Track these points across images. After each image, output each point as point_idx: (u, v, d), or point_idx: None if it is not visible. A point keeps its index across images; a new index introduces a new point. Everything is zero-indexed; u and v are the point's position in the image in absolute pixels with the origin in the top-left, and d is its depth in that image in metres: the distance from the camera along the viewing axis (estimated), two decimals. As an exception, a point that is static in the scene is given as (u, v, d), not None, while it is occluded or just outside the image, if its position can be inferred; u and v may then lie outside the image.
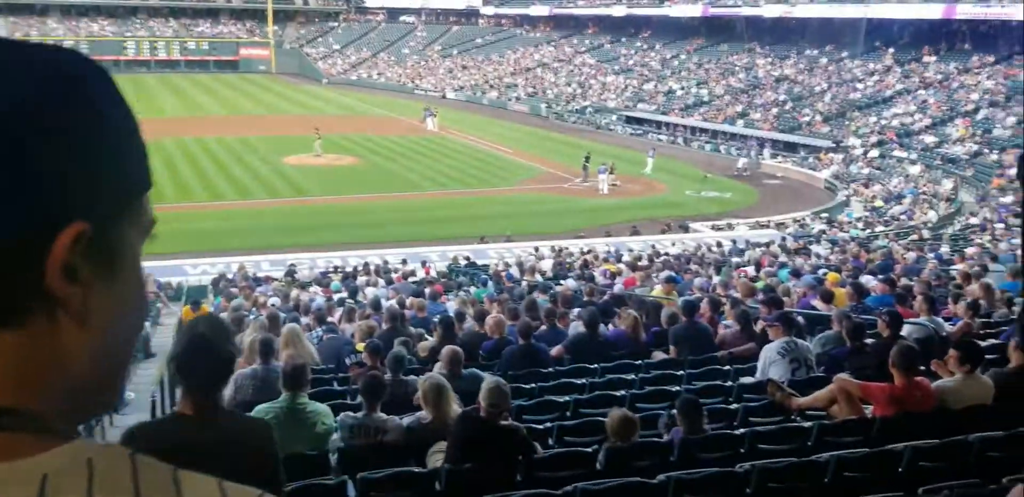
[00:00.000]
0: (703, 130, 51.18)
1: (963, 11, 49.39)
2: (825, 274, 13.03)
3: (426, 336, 9.12)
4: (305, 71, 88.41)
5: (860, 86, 51.43)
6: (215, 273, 21.64)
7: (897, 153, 40.82)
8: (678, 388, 6.90)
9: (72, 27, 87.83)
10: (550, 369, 7.41)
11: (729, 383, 7.08)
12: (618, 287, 12.57)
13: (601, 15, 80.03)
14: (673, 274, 12.95)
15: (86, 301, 0.68)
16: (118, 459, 0.67)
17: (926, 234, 24.71)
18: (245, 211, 32.34)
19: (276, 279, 18.25)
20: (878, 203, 33.55)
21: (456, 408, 5.49)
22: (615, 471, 4.60)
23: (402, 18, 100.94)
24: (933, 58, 51.55)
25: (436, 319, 9.36)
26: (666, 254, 19.61)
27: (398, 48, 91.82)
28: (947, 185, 34.87)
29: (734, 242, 22.95)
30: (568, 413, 6.33)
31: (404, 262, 20.06)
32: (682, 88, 60.13)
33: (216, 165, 40.60)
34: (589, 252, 21.06)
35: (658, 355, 8.08)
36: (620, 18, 76.90)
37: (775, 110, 51.01)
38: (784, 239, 23.57)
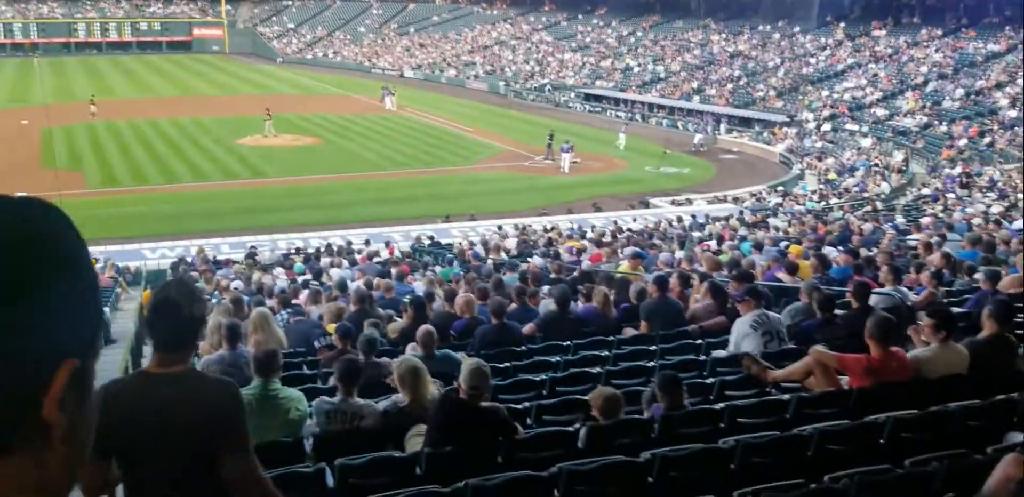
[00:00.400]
0: (660, 106, 51.26)
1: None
2: (787, 247, 13.13)
3: (395, 317, 9.01)
4: (259, 51, 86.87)
5: (812, 61, 51.79)
6: (174, 257, 21.29)
7: (849, 126, 41.28)
8: (652, 364, 6.89)
9: (21, 9, 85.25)
10: (523, 348, 7.35)
11: (703, 357, 7.06)
12: (585, 264, 12.55)
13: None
14: (639, 250, 12.96)
15: (71, 424, 0.80)
16: None
17: (879, 205, 25.03)
18: (201, 193, 31.80)
19: (237, 262, 17.96)
20: (832, 176, 33.91)
21: (433, 390, 5.41)
22: (598, 450, 4.57)
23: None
24: (883, 32, 51.99)
25: (405, 299, 9.27)
26: (629, 230, 19.66)
27: (354, 26, 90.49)
28: (898, 157, 35.33)
29: (694, 217, 23.11)
30: (545, 392, 6.29)
31: (367, 242, 19.87)
32: (639, 65, 60.09)
33: (170, 147, 39.80)
34: (552, 229, 21.05)
35: (629, 331, 8.06)
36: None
37: (730, 86, 51.23)
38: (742, 213, 23.77)
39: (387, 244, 19.25)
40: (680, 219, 22.06)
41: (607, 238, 16.44)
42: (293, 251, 19.35)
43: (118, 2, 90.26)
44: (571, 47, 69.03)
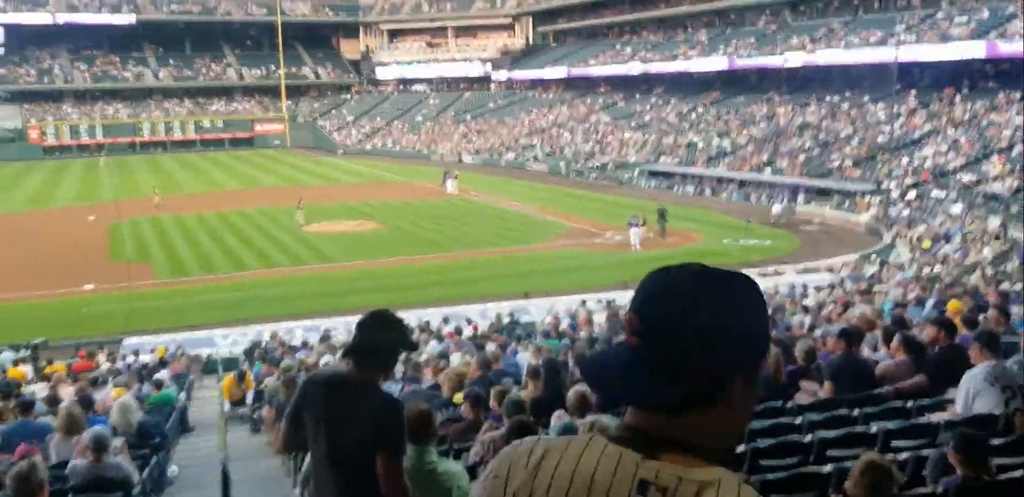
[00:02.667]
0: (730, 180, 50.11)
1: (1005, 49, 48.36)
2: (938, 305, 11.51)
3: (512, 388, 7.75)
4: (320, 143, 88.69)
5: (886, 129, 50.48)
6: (246, 343, 20.31)
7: (935, 193, 39.50)
8: (863, 429, 5.53)
9: (86, 111, 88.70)
10: None
11: (921, 420, 5.68)
12: None
13: (612, 75, 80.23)
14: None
15: (741, 395, 1.42)
16: (739, 479, 1.38)
17: (990, 271, 23.16)
18: (270, 280, 31.15)
19: (312, 345, 16.83)
20: (926, 244, 32.03)
21: None
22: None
23: (414, 88, 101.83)
24: (958, 97, 50.70)
25: (522, 369, 7.97)
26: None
27: (411, 116, 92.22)
28: (994, 222, 33.42)
29: (792, 286, 21.44)
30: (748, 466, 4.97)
31: (446, 321, 18.66)
32: (703, 140, 59.35)
33: (237, 236, 39.66)
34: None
35: (803, 395, 6.67)
36: (631, 76, 76.98)
37: (802, 156, 50.00)
38: (843, 281, 22.09)
39: (468, 322, 17.99)
40: (777, 289, 20.45)
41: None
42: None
43: (182, 101, 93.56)
44: (631, 126, 68.86)
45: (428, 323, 18.38)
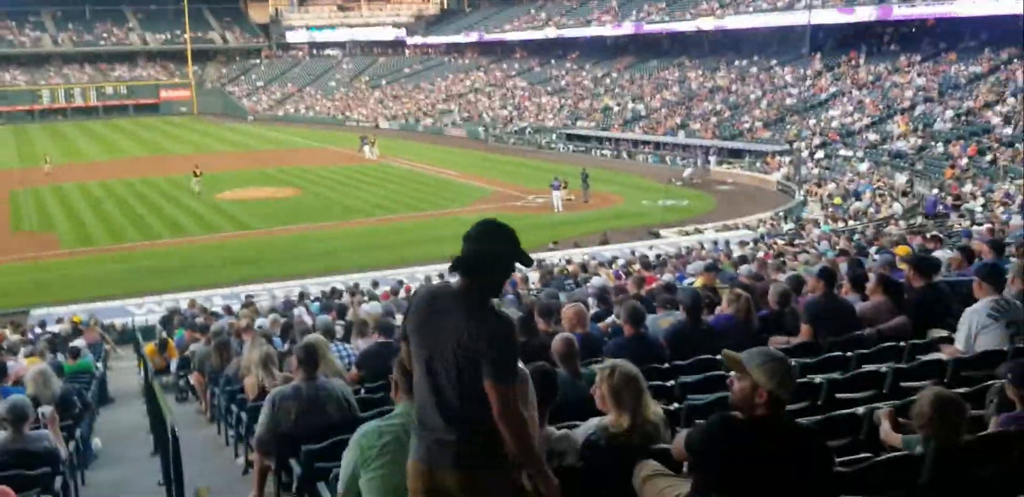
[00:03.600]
0: (645, 142, 50.69)
1: (899, 12, 49.93)
2: (881, 251, 11.70)
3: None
4: (229, 110, 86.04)
5: (794, 91, 51.68)
6: (163, 311, 19.68)
7: (843, 152, 40.76)
8: (875, 368, 5.39)
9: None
10: (666, 365, 5.88)
11: (915, 362, 5.51)
12: (666, 276, 11.18)
13: (527, 39, 79.80)
14: (711, 261, 11.64)
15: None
16: None
17: (902, 224, 24.07)
18: (184, 248, 30.25)
19: (236, 311, 16.38)
20: (837, 200, 33.09)
21: (656, 409, 3.83)
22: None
23: (326, 52, 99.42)
24: (861, 60, 52.18)
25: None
26: (659, 255, 18.35)
27: (324, 82, 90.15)
28: (900, 179, 34.70)
29: (715, 243, 21.87)
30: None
31: (375, 284, 18.42)
32: (618, 104, 59.79)
33: (145, 205, 38.32)
34: (570, 262, 19.72)
35: (777, 340, 6.48)
36: (547, 41, 76.70)
37: (714, 119, 50.86)
38: (763, 237, 22.65)
39: (401, 283, 17.78)
40: (702, 245, 20.84)
41: (651, 262, 15.03)
42: (297, 297, 17.83)
43: (82, 67, 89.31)
44: (547, 91, 68.82)
45: (357, 285, 18.12)
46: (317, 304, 13.36)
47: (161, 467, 6.93)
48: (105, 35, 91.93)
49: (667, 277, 12.21)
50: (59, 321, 19.01)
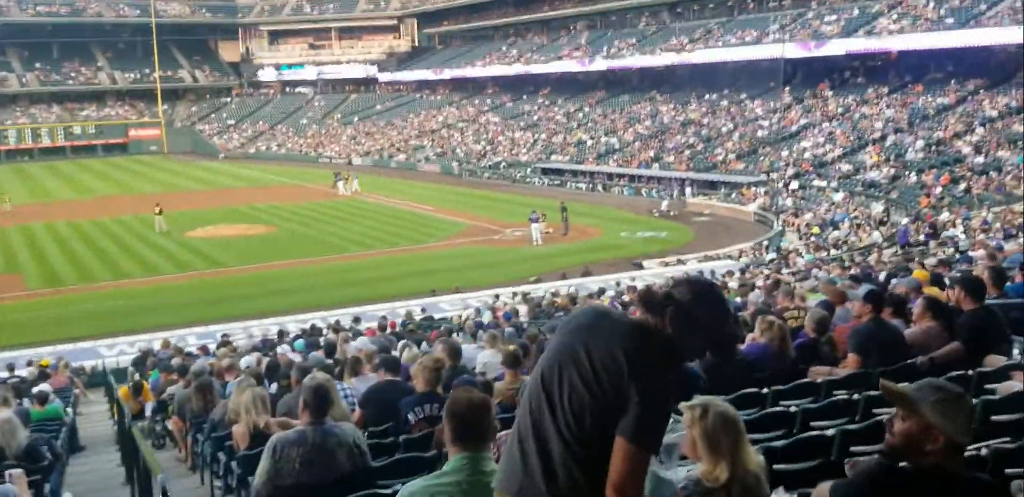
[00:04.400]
0: (620, 175, 50.81)
1: (863, 44, 50.82)
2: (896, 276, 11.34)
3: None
4: (200, 148, 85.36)
5: (765, 123, 52.20)
6: (135, 352, 18.98)
7: (817, 182, 41.00)
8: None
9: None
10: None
11: (994, 394, 4.91)
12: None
13: (498, 75, 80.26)
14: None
15: None
16: None
17: (888, 252, 24.01)
18: (156, 287, 29.54)
19: (213, 351, 15.79)
20: (815, 230, 33.11)
21: (758, 458, 3.12)
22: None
23: (297, 90, 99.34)
24: (829, 93, 52.93)
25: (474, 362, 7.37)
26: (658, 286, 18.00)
27: (296, 119, 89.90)
28: (877, 208, 34.89)
29: (700, 273, 21.63)
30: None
31: (357, 320, 17.91)
32: (591, 138, 60.03)
33: (116, 244, 37.52)
34: (556, 294, 19.36)
35: (819, 370, 5.95)
36: (518, 77, 77.16)
37: (687, 152, 51.15)
38: (747, 267, 22.45)
39: (385, 318, 17.28)
40: (700, 274, 20.56)
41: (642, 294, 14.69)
42: (276, 335, 17.24)
43: (50, 106, 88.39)
44: (520, 126, 69.02)
45: (339, 322, 17.59)
46: (301, 341, 12.82)
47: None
48: (73, 74, 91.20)
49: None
50: (29, 364, 18.20)
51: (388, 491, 4.28)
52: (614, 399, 2.37)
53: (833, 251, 26.51)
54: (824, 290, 9.69)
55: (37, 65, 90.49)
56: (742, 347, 6.46)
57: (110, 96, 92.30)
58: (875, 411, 4.57)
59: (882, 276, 11.81)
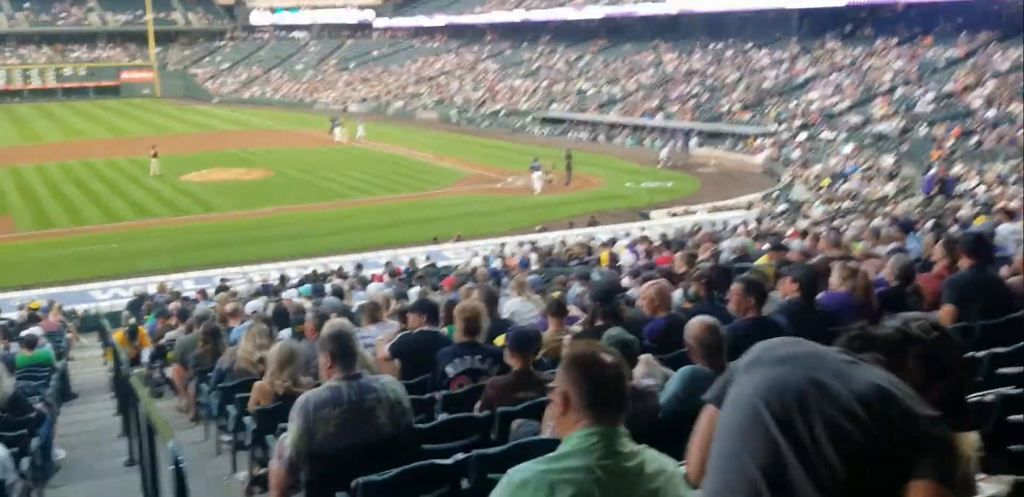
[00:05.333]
0: (623, 125, 49.82)
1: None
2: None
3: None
4: (192, 92, 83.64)
5: (771, 74, 51.06)
6: (130, 296, 18.37)
7: (825, 134, 40.20)
8: None
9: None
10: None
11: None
12: (726, 252, 10.12)
13: (497, 22, 78.39)
14: (776, 239, 10.52)
15: None
16: None
17: (906, 204, 23.39)
18: (150, 231, 28.83)
19: (210, 295, 15.15)
20: (825, 182, 32.46)
21: None
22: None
23: (292, 34, 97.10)
24: (838, 44, 51.71)
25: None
26: (687, 232, 17.23)
27: (291, 64, 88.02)
28: (887, 160, 34.18)
29: (712, 224, 21.02)
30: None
31: (360, 267, 17.30)
32: (593, 87, 58.79)
33: (108, 186, 36.66)
34: (563, 243, 18.73)
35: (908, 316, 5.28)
36: (517, 24, 75.36)
37: (692, 102, 50.09)
38: (761, 218, 21.86)
39: (388, 264, 16.64)
40: (696, 226, 19.94)
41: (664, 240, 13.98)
42: (277, 280, 16.62)
43: (39, 47, 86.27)
44: (519, 74, 67.56)
45: (341, 268, 16.97)
46: (308, 286, 12.17)
47: (142, 487, 5.73)
48: (63, 15, 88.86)
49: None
50: (20, 307, 17.53)
51: (448, 461, 3.64)
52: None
53: (848, 203, 25.87)
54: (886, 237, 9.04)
55: (26, 5, 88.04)
56: (819, 296, 5.81)
57: (101, 38, 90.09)
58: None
59: (928, 224, 11.17)
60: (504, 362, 4.79)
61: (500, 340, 5.25)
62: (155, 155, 39.04)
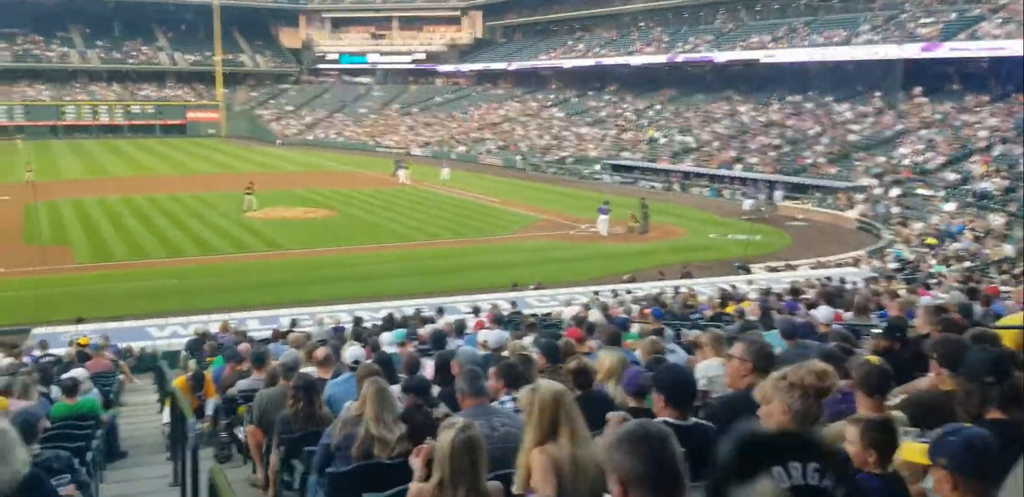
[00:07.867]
0: (698, 175, 47.87)
1: (954, 47, 47.56)
2: None
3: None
4: (257, 133, 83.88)
5: (856, 127, 48.96)
6: (189, 334, 16.65)
7: (921, 190, 37.79)
8: None
9: (4, 92, 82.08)
10: None
11: None
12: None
13: (562, 71, 77.63)
14: (961, 301, 8.59)
15: None
16: None
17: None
18: (211, 267, 27.42)
19: (289, 336, 13.25)
20: (930, 241, 29.99)
21: None
22: None
23: (357, 79, 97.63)
24: (924, 98, 49.55)
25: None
26: (777, 291, 15.23)
27: (354, 108, 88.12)
28: (996, 220, 31.70)
29: (829, 279, 18.79)
30: None
31: (440, 312, 15.40)
32: (664, 136, 57.12)
33: (171, 221, 35.55)
34: (662, 294, 16.67)
35: None
36: (582, 73, 74.44)
37: (772, 153, 48.04)
38: (880, 275, 19.58)
39: (476, 312, 14.73)
40: (822, 280, 17.74)
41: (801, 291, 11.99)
42: (353, 322, 14.79)
43: (109, 85, 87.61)
44: (586, 121, 66.33)
45: (418, 311, 15.12)
46: (402, 331, 10.27)
47: None
48: (134, 53, 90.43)
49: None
50: (69, 343, 15.79)
51: None
52: None
53: (967, 263, 23.45)
54: None
55: (98, 43, 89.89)
56: None
57: (170, 77, 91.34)
58: None
59: None
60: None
61: None
62: (250, 191, 37.96)
